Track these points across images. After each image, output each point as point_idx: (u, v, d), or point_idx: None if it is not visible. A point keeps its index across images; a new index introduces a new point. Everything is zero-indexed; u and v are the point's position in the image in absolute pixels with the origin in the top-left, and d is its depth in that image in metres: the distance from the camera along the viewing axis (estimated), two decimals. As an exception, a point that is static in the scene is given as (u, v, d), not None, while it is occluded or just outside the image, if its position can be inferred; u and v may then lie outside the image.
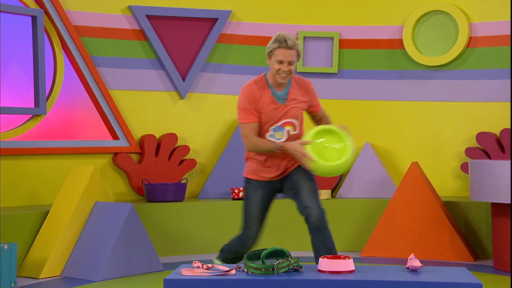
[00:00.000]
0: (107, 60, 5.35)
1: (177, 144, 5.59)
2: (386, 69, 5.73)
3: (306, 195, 3.32)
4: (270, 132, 3.38)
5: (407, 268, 2.46)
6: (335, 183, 5.57)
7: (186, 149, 5.58)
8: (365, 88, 5.78)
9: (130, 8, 5.44)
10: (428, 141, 5.63)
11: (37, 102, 4.98)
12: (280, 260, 2.44)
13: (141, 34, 5.50)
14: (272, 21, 5.80)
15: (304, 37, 5.81)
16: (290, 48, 3.28)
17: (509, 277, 4.15)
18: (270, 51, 3.34)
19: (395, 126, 5.74)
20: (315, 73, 5.80)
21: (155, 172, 5.46)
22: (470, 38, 5.49)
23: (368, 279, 2.29)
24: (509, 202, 4.13)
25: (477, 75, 5.46)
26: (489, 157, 5.28)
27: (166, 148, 5.52)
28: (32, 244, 4.39)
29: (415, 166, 4.93)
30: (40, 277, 4.19)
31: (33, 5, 4.98)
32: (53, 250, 4.25)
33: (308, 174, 3.38)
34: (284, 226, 5.28)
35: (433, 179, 5.36)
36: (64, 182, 4.54)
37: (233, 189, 5.39)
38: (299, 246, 5.01)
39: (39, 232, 4.41)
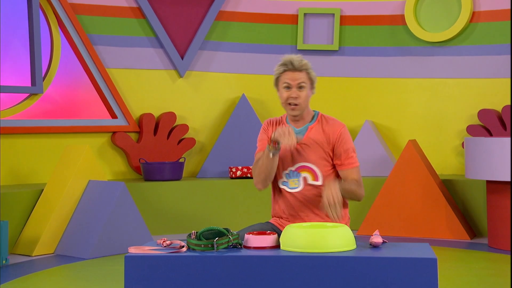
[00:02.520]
0: (104, 38, 5.33)
1: (176, 123, 5.57)
2: (387, 45, 5.62)
3: None
4: (284, 179, 2.73)
5: (370, 244, 2.43)
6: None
7: (185, 128, 5.56)
8: (366, 65, 5.68)
9: (127, -15, 5.42)
10: (429, 119, 5.53)
11: (33, 81, 5.00)
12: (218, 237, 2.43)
13: (139, 12, 5.46)
14: (272, -3, 5.73)
15: (305, 13, 5.71)
16: (298, 69, 2.71)
17: (502, 255, 4.08)
18: (277, 78, 2.77)
19: (397, 103, 5.64)
20: (315, 51, 5.71)
21: (154, 151, 5.46)
22: (473, 13, 5.33)
23: (317, 254, 2.28)
24: (503, 179, 4.04)
25: (480, 51, 5.32)
26: (490, 134, 5.17)
27: (165, 127, 5.51)
28: (26, 222, 4.44)
29: (412, 144, 4.84)
30: (33, 255, 4.24)
31: (28, -17, 4.98)
32: (46, 228, 4.28)
33: None
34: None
35: (435, 157, 5.27)
36: (58, 160, 4.57)
37: (231, 168, 5.37)
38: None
39: (33, 210, 4.45)
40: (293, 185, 2.71)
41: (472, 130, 5.25)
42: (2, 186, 4.75)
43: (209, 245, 2.44)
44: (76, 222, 4.36)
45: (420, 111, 5.57)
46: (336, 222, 2.57)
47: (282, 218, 2.79)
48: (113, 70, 5.40)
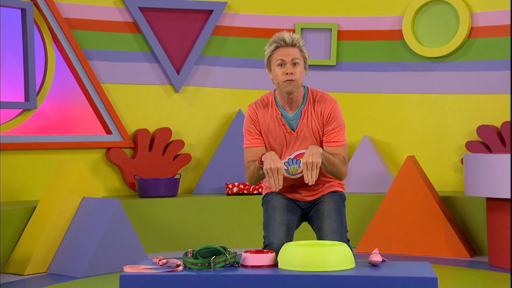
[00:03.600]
0: (99, 53, 5.29)
1: (171, 139, 5.52)
2: (385, 60, 5.59)
3: (326, 224, 2.66)
4: (284, 166, 2.71)
5: (369, 263, 2.39)
6: (332, 178, 5.46)
7: (180, 143, 5.50)
8: (364, 80, 5.65)
9: (122, 0, 5.37)
10: (428, 135, 5.49)
11: (27, 96, 4.94)
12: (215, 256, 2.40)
13: (134, 27, 5.43)
14: (269, 12, 5.69)
15: (302, 28, 5.69)
16: (290, 45, 2.63)
17: (503, 274, 4.03)
18: (269, 58, 2.70)
19: (395, 119, 5.60)
20: (313, 65, 5.66)
21: (149, 167, 5.40)
22: (472, 28, 5.32)
23: (316, 273, 2.25)
24: (504, 196, 3.99)
25: (479, 67, 5.29)
26: (490, 150, 5.13)
27: (160, 143, 5.45)
28: (18, 240, 4.36)
29: (410, 160, 4.80)
30: (25, 274, 4.15)
31: (23, -2, 4.94)
32: (38, 246, 4.21)
33: (332, 201, 2.72)
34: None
35: (434, 173, 5.22)
36: (51, 177, 4.50)
37: (227, 184, 5.31)
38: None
39: (25, 228, 4.37)
40: (294, 171, 2.70)
41: (471, 146, 5.21)
42: (-6, 203, 4.68)
43: (206, 264, 2.43)
44: (70, 240, 4.28)
45: (419, 127, 5.54)
46: (310, 184, 2.56)
47: (286, 193, 2.80)
48: (108, 85, 5.35)
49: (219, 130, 5.67)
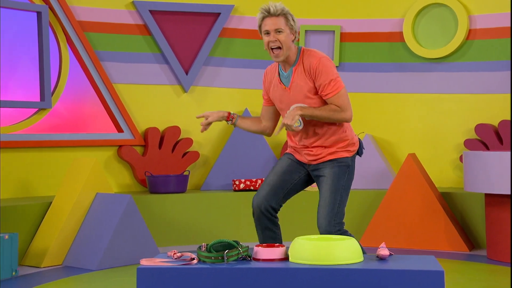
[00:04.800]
0: (111, 54, 5.46)
1: (180, 137, 5.69)
2: (386, 61, 5.75)
3: (320, 208, 2.87)
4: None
5: (376, 257, 2.50)
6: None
7: (189, 141, 5.68)
8: (365, 80, 5.81)
9: (133, 3, 5.55)
10: (428, 133, 5.65)
11: (42, 96, 5.12)
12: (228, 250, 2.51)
13: (145, 29, 5.60)
14: (274, 14, 5.86)
15: (306, 30, 5.85)
16: (274, 15, 2.85)
17: (501, 267, 4.17)
18: (259, 26, 2.94)
19: (396, 118, 5.76)
20: (316, 66, 5.85)
21: (159, 164, 5.57)
22: (470, 31, 5.48)
23: (325, 267, 2.34)
24: (501, 192, 4.15)
25: (477, 67, 5.45)
26: (487, 148, 5.29)
27: (170, 141, 5.63)
28: (35, 234, 4.54)
29: (411, 157, 4.96)
30: (42, 266, 4.33)
31: (38, 1, 5.12)
32: (54, 240, 4.38)
33: (331, 177, 2.91)
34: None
35: (433, 170, 5.38)
36: (66, 173, 4.68)
37: (234, 181, 5.48)
38: (297, 235, 5.06)
39: (42, 223, 4.55)
40: (297, 124, 2.87)
41: (469, 144, 5.37)
42: (11, 198, 4.86)
43: (220, 257, 2.51)
44: (84, 234, 4.45)
45: (418, 126, 5.70)
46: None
47: (296, 147, 3.03)
48: (120, 85, 5.52)
49: (226, 129, 5.84)
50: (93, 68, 5.35)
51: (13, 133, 4.97)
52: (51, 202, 4.62)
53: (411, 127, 5.72)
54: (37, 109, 5.14)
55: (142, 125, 5.61)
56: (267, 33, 2.91)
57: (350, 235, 2.86)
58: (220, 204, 5.33)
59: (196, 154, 5.70)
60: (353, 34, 5.82)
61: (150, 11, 5.58)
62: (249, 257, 2.55)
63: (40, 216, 4.58)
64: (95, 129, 5.47)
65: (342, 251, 2.35)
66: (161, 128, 5.66)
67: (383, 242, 2.58)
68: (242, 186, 5.46)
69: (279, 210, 3.07)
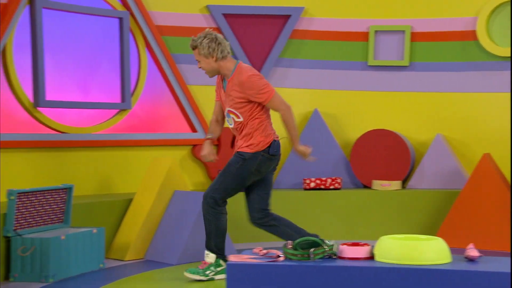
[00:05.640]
0: (186, 57, 5.66)
1: (251, 136, 5.83)
2: (458, 60, 5.71)
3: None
4: (226, 117, 3.84)
5: (465, 258, 2.47)
6: (406, 174, 5.64)
7: (260, 141, 5.81)
8: (437, 80, 5.79)
9: (207, 7, 5.73)
10: (502, 133, 5.57)
11: (123, 97, 5.37)
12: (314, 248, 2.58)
13: (218, 32, 5.76)
14: (343, 16, 5.92)
15: (375, 31, 5.89)
16: (192, 48, 3.72)
17: None
18: None
19: (468, 117, 5.72)
20: (386, 66, 5.88)
21: (231, 163, 5.72)
22: (547, 28, 5.38)
23: (413, 267, 2.35)
24: None
25: (554, 66, 5.35)
26: None
27: (241, 140, 5.77)
28: (118, 228, 4.78)
29: (487, 157, 4.93)
30: (125, 259, 4.57)
31: (120, 7, 5.37)
32: (136, 235, 4.61)
33: (228, 164, 3.79)
34: (354, 215, 5.43)
35: (508, 170, 5.31)
36: (146, 171, 4.90)
37: (305, 180, 5.58)
38: (368, 234, 5.12)
39: (124, 218, 4.79)
40: (231, 122, 3.77)
41: (545, 144, 5.28)
42: (96, 195, 5.14)
43: (306, 255, 2.60)
44: (164, 230, 4.66)
45: (492, 125, 5.63)
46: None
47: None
48: (194, 86, 5.72)
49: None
50: (170, 71, 5.56)
51: (97, 133, 5.24)
52: (131, 199, 4.85)
53: (484, 127, 5.66)
54: (118, 110, 5.40)
55: (215, 125, 5.77)
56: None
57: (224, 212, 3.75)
58: (291, 203, 5.44)
59: (267, 153, 5.82)
60: (424, 33, 5.81)
61: (223, 14, 5.75)
62: (335, 255, 2.62)
63: (122, 212, 4.81)
64: (170, 129, 5.68)
65: (431, 251, 2.33)
66: (233, 128, 5.81)
67: (472, 243, 2.53)
68: (312, 185, 5.56)
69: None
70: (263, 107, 3.69)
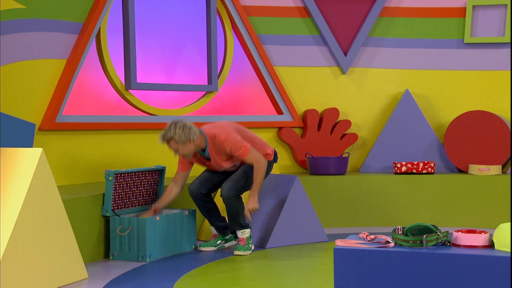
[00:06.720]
0: (272, 37, 5.56)
1: (338, 119, 5.68)
2: None
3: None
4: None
5: None
6: (507, 158, 5.32)
7: (347, 123, 5.65)
8: (540, 57, 5.42)
9: (293, -14, 5.60)
10: None
11: (210, 80, 5.34)
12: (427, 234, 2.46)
13: (305, 11, 5.63)
14: (437, -9, 5.64)
15: (474, 6, 5.56)
16: (167, 141, 3.93)
17: None
18: None
19: None
20: (484, 44, 5.55)
21: (317, 146, 5.61)
22: None
23: None
24: None
25: None
26: None
27: (328, 123, 5.64)
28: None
29: None
30: (215, 242, 4.54)
31: (205, -12, 5.32)
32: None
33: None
34: (447, 202, 5.19)
35: None
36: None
37: (395, 164, 5.38)
38: (465, 222, 4.89)
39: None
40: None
41: None
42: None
43: (418, 241, 2.49)
44: (256, 213, 4.60)
45: None
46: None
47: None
48: (280, 68, 5.61)
49: (385, 110, 5.74)
50: (256, 52, 5.47)
51: (184, 115, 5.23)
52: (220, 182, 4.81)
53: None
54: (204, 92, 5.37)
55: (301, 107, 5.67)
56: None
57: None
58: (382, 187, 5.26)
59: (354, 136, 5.66)
60: (527, 8, 5.44)
61: (310, -7, 5.59)
62: (449, 242, 2.50)
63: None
64: (256, 111, 5.61)
65: None
66: (320, 110, 5.69)
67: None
68: (404, 169, 5.34)
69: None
70: (248, 142, 4.08)
